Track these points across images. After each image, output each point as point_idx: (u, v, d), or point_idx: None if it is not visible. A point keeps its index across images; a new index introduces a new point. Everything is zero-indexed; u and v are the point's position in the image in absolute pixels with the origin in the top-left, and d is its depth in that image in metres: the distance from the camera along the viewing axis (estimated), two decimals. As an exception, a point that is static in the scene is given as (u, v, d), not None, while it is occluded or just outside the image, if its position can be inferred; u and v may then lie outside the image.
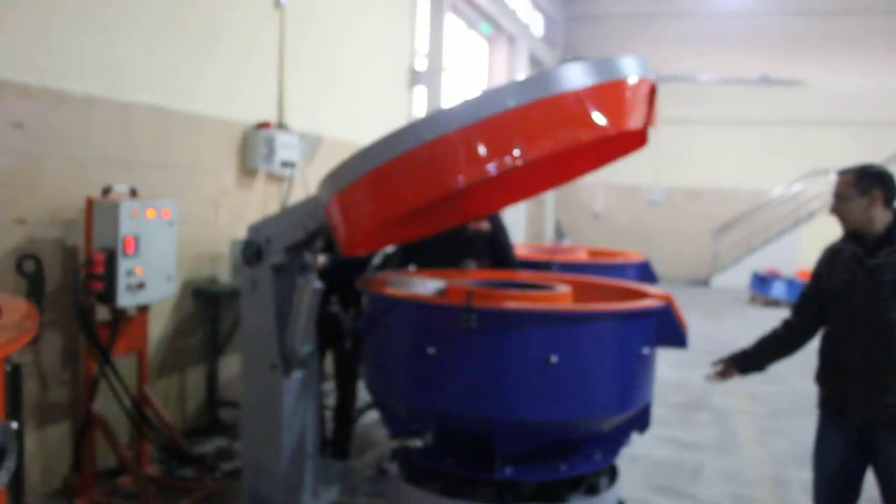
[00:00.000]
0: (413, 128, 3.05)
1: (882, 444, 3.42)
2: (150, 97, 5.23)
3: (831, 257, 3.64)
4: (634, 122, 3.13)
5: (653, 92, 3.22)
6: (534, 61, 17.08)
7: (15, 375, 1.88)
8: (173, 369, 5.62)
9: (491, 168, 2.88)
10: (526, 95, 2.87)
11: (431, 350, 3.24)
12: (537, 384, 3.18)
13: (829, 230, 3.58)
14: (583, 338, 3.26)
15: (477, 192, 4.01)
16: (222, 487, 4.80)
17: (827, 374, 3.62)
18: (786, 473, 5.59)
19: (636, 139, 3.42)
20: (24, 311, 2.14)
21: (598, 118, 2.97)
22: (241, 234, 5.94)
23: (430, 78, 10.48)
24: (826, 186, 3.51)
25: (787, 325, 3.79)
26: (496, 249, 4.86)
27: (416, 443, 3.42)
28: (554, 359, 3.13)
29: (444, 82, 10.99)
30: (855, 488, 3.58)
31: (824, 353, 3.65)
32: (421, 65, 10.32)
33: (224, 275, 6.01)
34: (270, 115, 6.61)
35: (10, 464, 1.72)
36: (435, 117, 3.01)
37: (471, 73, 14.09)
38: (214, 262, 5.99)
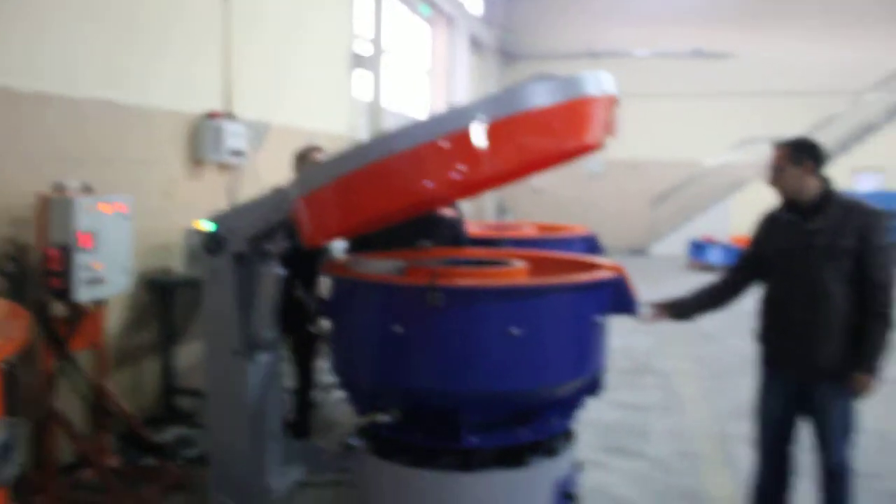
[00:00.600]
0: (385, 138, 3.21)
1: (819, 396, 3.71)
2: (103, 92, 5.23)
3: (769, 224, 3.92)
4: (595, 136, 3.34)
5: (613, 105, 3.42)
6: (474, 42, 17.20)
7: (12, 374, 1.96)
8: (130, 361, 5.66)
9: (458, 179, 3.04)
10: (496, 111, 3.04)
11: (398, 329, 3.37)
12: (500, 356, 3.33)
13: (761, 197, 3.85)
14: (542, 310, 3.42)
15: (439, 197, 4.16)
16: (185, 474, 4.88)
17: (769, 333, 3.90)
18: (727, 428, 5.91)
19: (595, 145, 3.62)
20: (8, 312, 2.21)
21: (563, 134, 3.20)
22: (193, 224, 6.01)
23: (373, 62, 10.53)
24: (756, 156, 3.76)
25: (722, 281, 4.07)
26: (458, 233, 5.01)
27: (384, 418, 3.55)
28: (516, 331, 3.30)
29: (387, 66, 11.05)
30: (792, 433, 3.89)
31: (766, 314, 3.92)
32: (363, 49, 10.36)
33: (178, 265, 6.05)
34: (218, 105, 6.63)
35: (18, 458, 1.81)
36: (408, 129, 3.15)
37: (413, 55, 14.14)
38: (167, 252, 6.01)
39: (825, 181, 3.72)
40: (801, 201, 3.72)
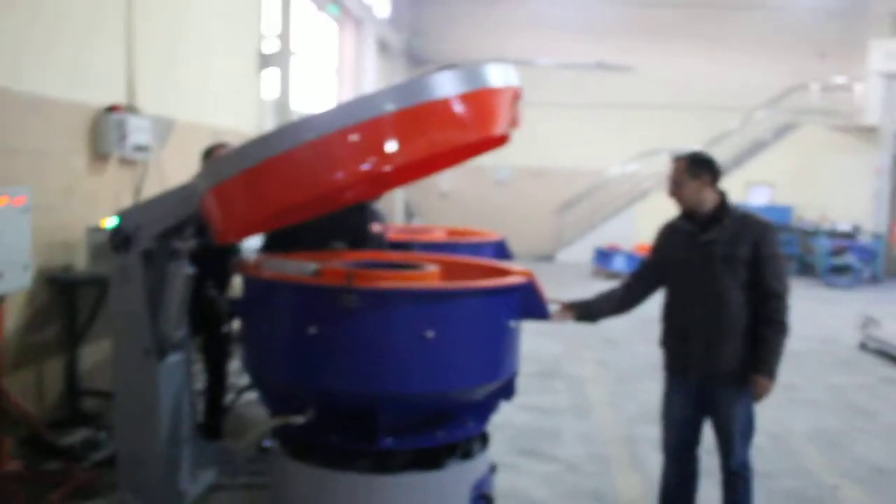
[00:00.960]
0: (293, 127, 3.17)
1: (718, 397, 3.87)
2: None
3: (669, 233, 4.07)
4: (500, 127, 3.38)
5: (516, 98, 3.47)
6: (381, 44, 17.18)
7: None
8: (30, 361, 5.41)
9: (367, 169, 3.03)
10: (403, 101, 3.05)
11: (312, 330, 3.34)
12: (415, 358, 3.35)
13: (663, 207, 3.99)
14: (456, 313, 3.46)
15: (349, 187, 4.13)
16: (92, 477, 4.71)
17: (670, 339, 4.04)
18: (635, 431, 6.08)
19: (500, 139, 3.66)
20: None
21: (469, 124, 3.23)
22: (96, 220, 5.80)
23: (280, 60, 10.41)
24: (658, 166, 3.93)
25: (625, 286, 4.19)
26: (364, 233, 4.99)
27: (298, 420, 3.51)
28: (430, 334, 3.31)
29: (295, 65, 10.93)
30: (696, 435, 4.04)
31: (667, 320, 4.06)
32: (271, 47, 10.22)
33: (80, 262, 5.82)
34: (121, 98, 6.41)
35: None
36: (314, 118, 3.13)
37: (321, 55, 14.02)
38: (69, 249, 5.78)
39: (721, 194, 3.89)
40: (699, 213, 3.87)
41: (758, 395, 3.83)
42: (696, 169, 3.84)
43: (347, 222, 4.81)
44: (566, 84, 19.88)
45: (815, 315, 12.00)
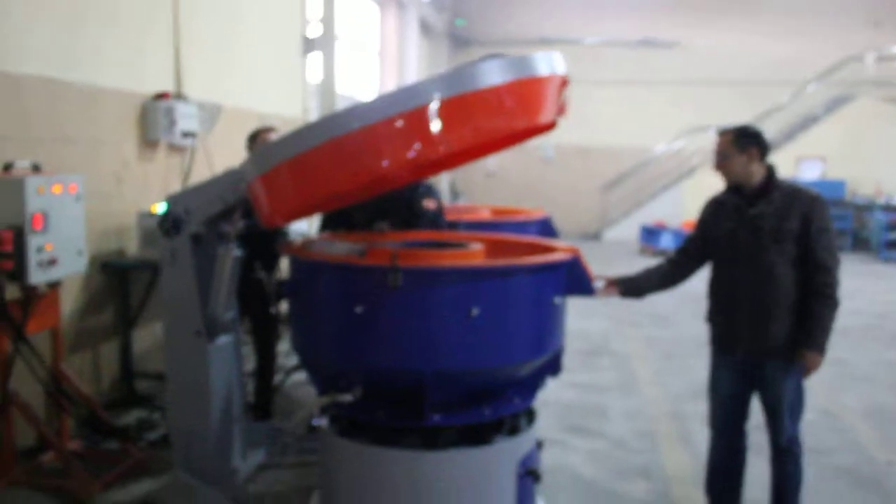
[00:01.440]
0: (341, 115, 3.20)
1: (766, 372, 3.82)
2: (43, 69, 5.10)
3: (715, 208, 4.02)
4: (547, 115, 3.37)
5: (564, 85, 3.46)
6: (424, 26, 17.16)
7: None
8: (86, 344, 5.57)
9: (413, 157, 3.05)
10: (450, 89, 3.06)
11: (359, 310, 3.38)
12: (462, 335, 3.37)
13: (710, 183, 3.94)
14: (502, 290, 3.47)
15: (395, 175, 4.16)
16: (147, 457, 4.84)
17: (717, 315, 4.00)
18: (683, 408, 6.04)
19: (547, 126, 3.65)
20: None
21: (515, 112, 3.22)
22: (146, 206, 5.93)
23: (324, 44, 10.46)
24: (705, 142, 3.88)
25: (670, 262, 4.16)
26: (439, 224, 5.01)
27: (346, 398, 3.56)
28: (476, 311, 3.33)
29: (339, 49, 10.98)
30: (744, 412, 4.00)
31: (714, 296, 4.02)
32: (314, 31, 10.28)
33: (132, 247, 5.96)
34: (168, 86, 6.52)
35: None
36: (362, 107, 3.15)
37: (364, 39, 14.06)
38: (121, 235, 5.92)
39: (769, 168, 3.82)
40: (747, 187, 3.81)
41: (806, 371, 3.78)
42: (744, 142, 3.78)
43: (399, 200, 4.84)
44: (611, 62, 19.67)
45: (869, 290, 11.77)
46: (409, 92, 3.16)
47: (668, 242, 15.77)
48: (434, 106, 3.03)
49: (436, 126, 3.04)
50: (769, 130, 17.96)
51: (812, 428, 5.33)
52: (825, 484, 4.74)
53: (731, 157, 3.81)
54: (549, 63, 3.37)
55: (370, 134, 3.05)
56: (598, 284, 4.00)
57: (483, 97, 3.13)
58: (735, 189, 3.87)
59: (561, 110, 3.48)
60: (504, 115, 3.22)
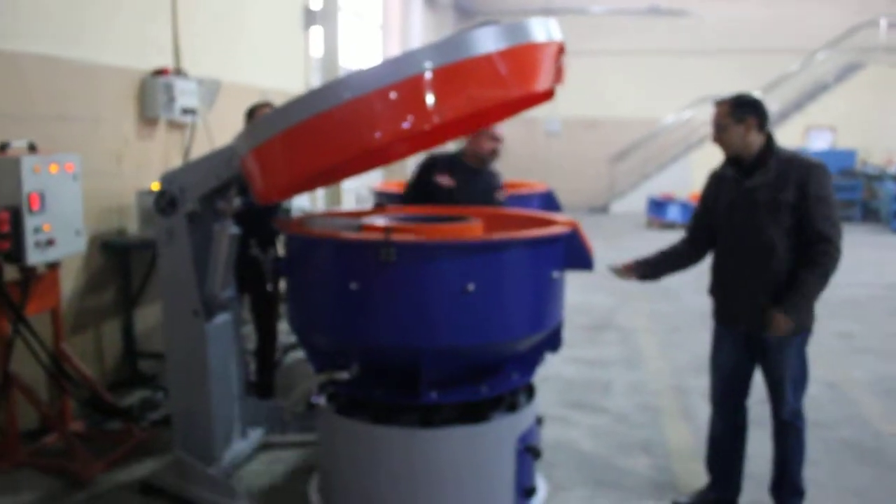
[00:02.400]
0: (331, 87, 3.16)
1: (768, 345, 3.77)
2: (41, 47, 5.05)
3: (716, 181, 3.96)
4: (543, 83, 3.31)
5: (560, 52, 3.39)
6: (428, -2, 16.98)
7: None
8: (88, 325, 5.57)
9: (407, 127, 3.00)
10: (442, 58, 3.01)
11: (353, 286, 3.36)
12: (457, 311, 3.35)
13: (719, 154, 3.87)
14: (497, 265, 3.43)
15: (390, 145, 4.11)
16: (151, 436, 4.85)
17: (719, 288, 3.95)
18: (686, 382, 6.01)
19: (545, 94, 3.59)
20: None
21: (511, 80, 3.16)
22: (146, 184, 5.90)
23: (326, 17, 10.36)
24: (713, 113, 3.81)
25: (684, 242, 4.10)
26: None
27: (343, 375, 3.55)
28: (471, 286, 3.30)
29: (341, 21, 10.87)
30: (745, 386, 3.96)
31: (716, 269, 3.96)
32: (316, 4, 10.17)
33: (132, 226, 5.94)
34: (167, 62, 6.46)
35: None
36: (353, 77, 3.11)
37: (367, 11, 13.93)
38: (121, 214, 5.90)
39: (768, 137, 3.74)
40: (745, 158, 3.74)
41: (771, 330, 3.66)
42: (741, 112, 3.70)
43: (475, 194, 4.81)
44: (618, 31, 19.45)
45: (879, 261, 11.68)
46: (402, 61, 3.10)
47: (675, 215, 15.68)
48: (427, 75, 2.97)
49: (428, 95, 2.99)
50: (779, 100, 17.83)
51: (816, 401, 5.29)
52: (829, 457, 4.71)
53: (728, 127, 3.73)
54: (544, 29, 3.31)
55: (362, 105, 3.00)
56: (616, 267, 4.03)
57: (477, 65, 3.07)
58: (734, 161, 3.80)
59: (558, 78, 3.42)
60: (499, 84, 3.15)
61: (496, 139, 4.90)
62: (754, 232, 3.70)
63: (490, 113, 4.00)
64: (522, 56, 3.21)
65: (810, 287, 3.61)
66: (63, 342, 4.87)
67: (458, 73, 3.04)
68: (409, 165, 14.90)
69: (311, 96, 3.20)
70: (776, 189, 3.63)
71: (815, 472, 4.31)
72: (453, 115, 3.11)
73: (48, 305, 4.77)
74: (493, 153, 4.95)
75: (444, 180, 4.88)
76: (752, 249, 3.71)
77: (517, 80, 3.23)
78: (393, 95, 2.99)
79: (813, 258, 3.60)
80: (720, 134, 3.76)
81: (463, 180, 4.89)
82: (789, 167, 3.64)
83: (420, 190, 4.94)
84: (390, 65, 3.12)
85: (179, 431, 4.24)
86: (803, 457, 3.86)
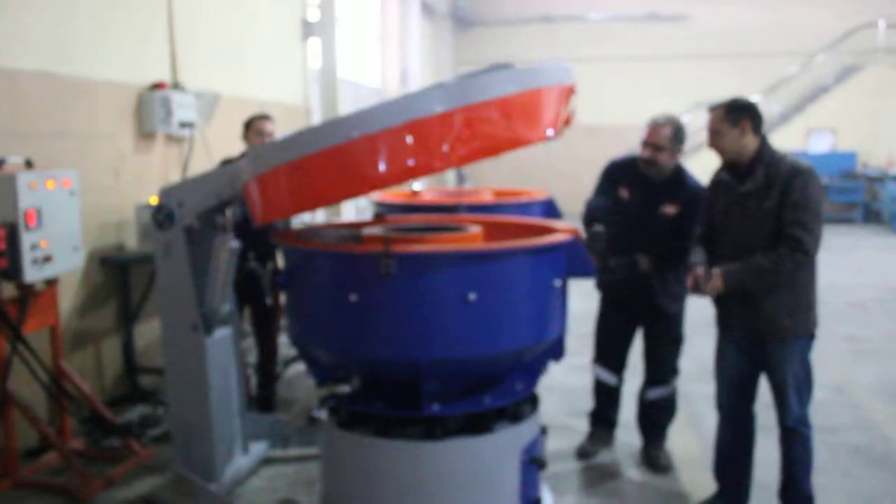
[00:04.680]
0: (339, 123, 3.15)
1: (769, 352, 3.73)
2: (39, 63, 5.04)
3: (715, 187, 3.93)
4: (555, 128, 3.30)
5: (570, 94, 3.38)
6: (425, 7, 17.00)
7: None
8: (87, 341, 5.54)
9: (412, 165, 3.00)
10: (453, 101, 3.00)
11: (352, 298, 3.31)
12: (458, 322, 3.29)
13: (716, 160, 3.84)
14: (497, 274, 3.38)
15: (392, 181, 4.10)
16: (151, 453, 4.81)
17: (718, 295, 3.89)
18: (691, 388, 5.96)
19: (553, 137, 3.59)
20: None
21: (523, 126, 3.17)
22: (145, 199, 5.88)
23: (323, 29, 10.35)
24: (710, 118, 3.78)
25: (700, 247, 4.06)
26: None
27: (344, 389, 3.50)
28: (472, 296, 3.26)
29: (339, 33, 10.87)
30: (751, 392, 3.91)
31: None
32: (314, 15, 10.17)
33: (131, 241, 5.91)
34: (164, 76, 6.45)
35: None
36: (362, 115, 3.09)
37: (364, 23, 13.93)
38: (120, 229, 5.88)
39: (762, 140, 3.70)
40: (740, 162, 3.70)
41: (699, 282, 3.65)
42: (735, 116, 3.67)
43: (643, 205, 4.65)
44: (617, 38, 19.47)
45: (882, 263, 11.62)
46: (412, 101, 3.09)
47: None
48: (436, 118, 2.97)
49: (436, 137, 2.99)
50: (779, 103, 17.81)
51: (823, 406, 5.24)
52: (837, 463, 4.66)
53: (723, 132, 3.70)
54: (557, 74, 3.32)
55: (370, 143, 3.00)
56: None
57: (487, 110, 3.07)
58: (729, 166, 3.77)
59: (568, 121, 3.42)
60: (510, 128, 3.16)
61: (648, 145, 4.62)
62: (745, 239, 3.67)
63: (494, 151, 3.98)
64: (535, 101, 3.21)
65: (757, 270, 3.55)
66: (62, 359, 4.83)
67: (468, 117, 3.03)
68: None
69: (321, 130, 3.22)
70: (762, 197, 3.60)
71: (823, 479, 4.26)
72: (459, 159, 3.10)
73: (47, 322, 4.74)
74: (649, 162, 4.61)
75: (623, 192, 4.71)
76: (742, 257, 3.66)
77: (528, 125, 3.22)
78: (401, 135, 2.98)
79: (778, 251, 3.54)
80: (715, 139, 3.74)
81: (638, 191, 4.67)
82: (777, 173, 3.60)
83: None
84: (400, 104, 3.10)
85: (180, 447, 4.20)
86: (811, 463, 3.81)
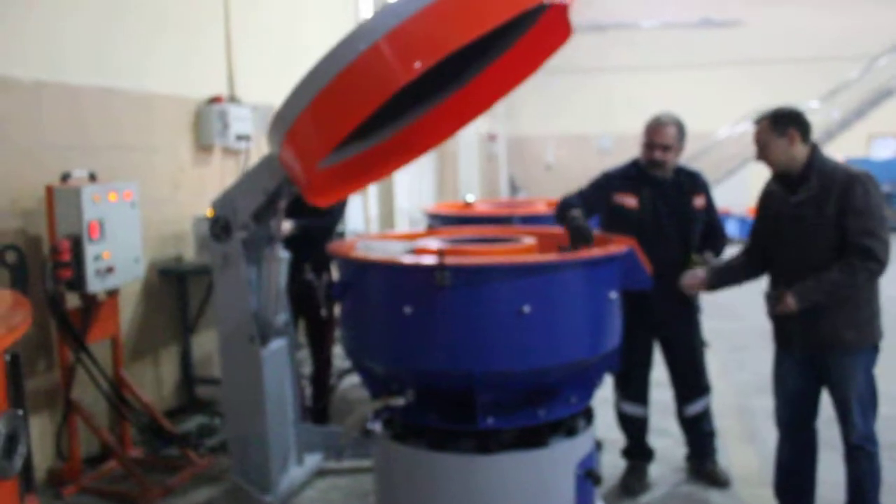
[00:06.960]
0: (345, 43, 3.15)
1: (830, 367, 3.62)
2: (99, 79, 5.17)
3: (766, 198, 3.84)
4: None
5: None
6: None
7: (15, 364, 1.92)
8: (147, 351, 5.64)
9: (421, 64, 2.99)
10: None
11: (407, 310, 3.32)
12: (512, 335, 3.28)
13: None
14: (553, 286, 3.36)
15: (423, 122, 4.07)
16: (208, 463, 4.87)
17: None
18: (749, 402, 5.84)
19: (560, 29, 3.52)
20: (11, 302, 2.16)
21: None
22: (202, 210, 5.97)
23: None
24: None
25: (741, 255, 4.01)
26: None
27: (399, 401, 3.50)
28: (527, 308, 3.24)
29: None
30: (812, 408, 3.80)
31: (771, 288, 3.83)
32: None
33: (189, 253, 6.01)
34: (221, 89, 6.56)
35: (23, 449, 1.79)
36: (360, 29, 3.12)
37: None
38: (178, 241, 5.98)
39: (813, 148, 3.61)
40: (791, 172, 3.62)
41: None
42: (782, 126, 3.59)
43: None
44: (670, 45, 19.25)
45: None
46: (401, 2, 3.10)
47: (732, 229, 15.38)
48: (432, 5, 3.00)
49: (438, 25, 3.02)
50: (839, 109, 17.39)
51: (890, 421, 5.05)
52: (906, 481, 4.50)
53: (770, 143, 3.62)
54: None
55: (376, 50, 3.02)
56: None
57: None
58: (782, 176, 3.68)
59: None
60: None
61: (656, 146, 4.62)
62: (801, 250, 3.58)
63: (510, 62, 3.90)
64: None
65: (829, 282, 3.45)
66: (122, 369, 4.93)
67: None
68: (462, 184, 14.88)
69: (328, 58, 3.21)
70: (819, 204, 3.51)
71: (892, 499, 4.11)
72: (465, 41, 3.03)
73: (108, 333, 4.84)
74: (657, 163, 4.61)
75: (628, 200, 4.59)
76: (800, 270, 3.57)
77: None
78: (402, 34, 3.01)
79: (849, 262, 3.44)
80: (763, 151, 3.67)
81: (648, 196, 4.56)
82: (832, 180, 3.51)
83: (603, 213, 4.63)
84: (393, 6, 3.11)
85: (236, 457, 4.24)
86: (879, 482, 3.68)
